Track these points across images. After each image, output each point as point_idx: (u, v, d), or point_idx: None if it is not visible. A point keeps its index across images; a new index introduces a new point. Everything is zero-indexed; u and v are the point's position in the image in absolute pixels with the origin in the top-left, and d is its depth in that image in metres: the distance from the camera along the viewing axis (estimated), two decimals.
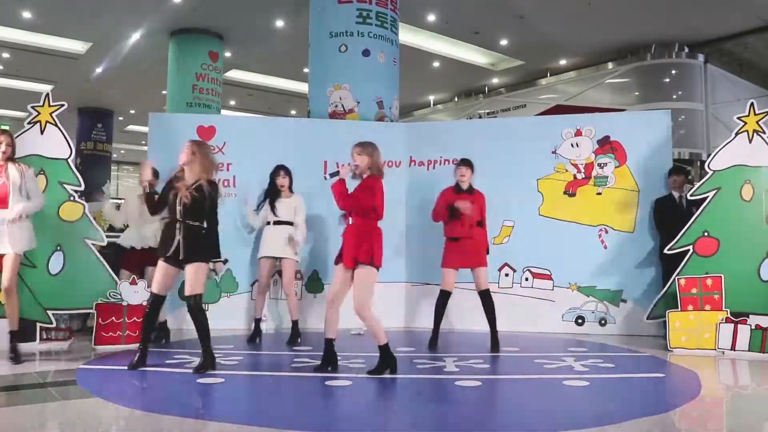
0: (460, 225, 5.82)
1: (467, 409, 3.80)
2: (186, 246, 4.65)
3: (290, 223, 6.32)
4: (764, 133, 6.06)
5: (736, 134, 6.15)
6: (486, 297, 5.85)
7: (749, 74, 16.39)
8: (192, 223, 4.67)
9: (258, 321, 6.32)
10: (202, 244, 4.72)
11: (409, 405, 4.01)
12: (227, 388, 4.25)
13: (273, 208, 6.34)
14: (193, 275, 4.65)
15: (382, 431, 3.41)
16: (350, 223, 4.66)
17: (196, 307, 4.66)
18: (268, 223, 6.36)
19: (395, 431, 3.43)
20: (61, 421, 3.50)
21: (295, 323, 6.22)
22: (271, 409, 3.78)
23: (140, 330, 5.22)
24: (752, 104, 6.16)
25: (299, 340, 6.12)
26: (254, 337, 6.21)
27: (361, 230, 4.58)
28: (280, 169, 6.43)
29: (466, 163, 5.99)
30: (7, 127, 5.99)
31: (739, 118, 6.17)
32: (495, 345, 5.76)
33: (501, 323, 5.89)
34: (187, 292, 4.68)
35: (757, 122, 6.07)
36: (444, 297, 5.95)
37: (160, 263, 4.75)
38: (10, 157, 5.16)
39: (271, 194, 6.40)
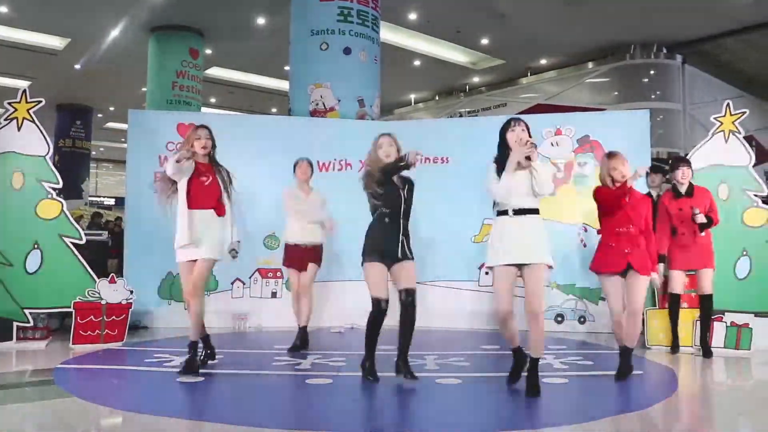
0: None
1: (446, 408, 3.81)
2: (407, 244, 4.38)
3: None
4: (740, 133, 6.15)
5: (713, 134, 6.24)
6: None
7: (726, 75, 16.63)
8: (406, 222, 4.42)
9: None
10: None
11: (389, 403, 4.02)
12: (206, 387, 4.24)
13: None
14: (414, 271, 4.41)
15: (362, 429, 3.42)
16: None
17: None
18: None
19: (374, 429, 3.44)
20: (39, 422, 3.46)
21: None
22: (250, 407, 3.77)
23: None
24: (728, 105, 6.25)
25: None
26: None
27: None
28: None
29: (686, 162, 5.67)
30: None
31: (715, 118, 6.25)
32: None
33: (481, 322, 5.88)
34: (411, 286, 4.36)
35: (733, 122, 6.16)
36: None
37: (379, 266, 4.32)
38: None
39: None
